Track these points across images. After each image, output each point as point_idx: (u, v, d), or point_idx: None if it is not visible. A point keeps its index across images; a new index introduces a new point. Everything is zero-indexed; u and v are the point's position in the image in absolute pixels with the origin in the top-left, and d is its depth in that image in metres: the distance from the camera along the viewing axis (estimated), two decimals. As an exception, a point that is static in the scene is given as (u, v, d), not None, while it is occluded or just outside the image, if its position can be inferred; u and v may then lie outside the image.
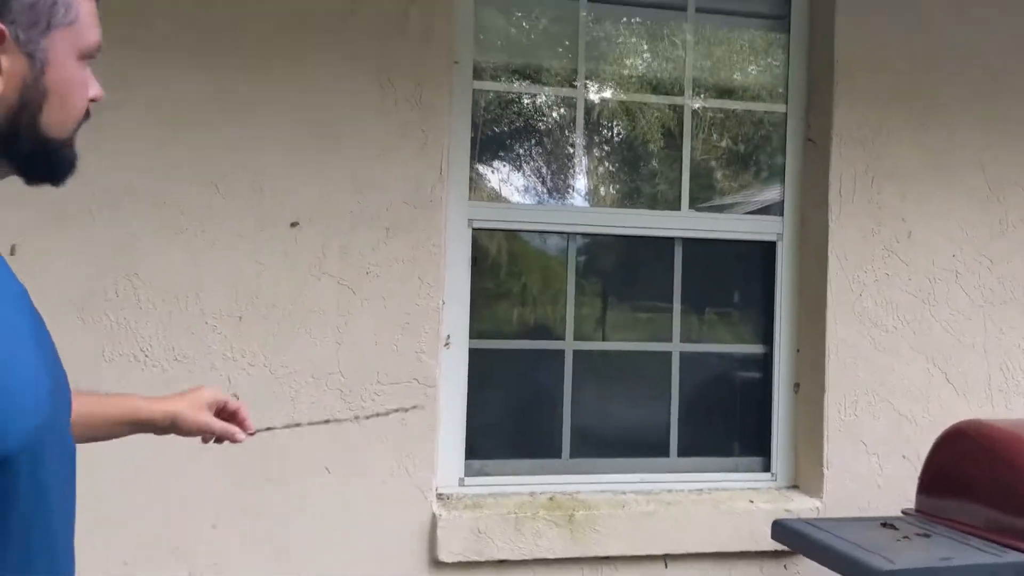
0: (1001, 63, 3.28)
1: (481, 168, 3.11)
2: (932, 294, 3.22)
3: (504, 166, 3.17)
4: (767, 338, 3.32)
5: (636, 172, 3.29)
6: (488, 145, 3.16)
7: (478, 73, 3.06)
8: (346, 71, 2.79)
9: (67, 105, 1.01)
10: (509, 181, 3.17)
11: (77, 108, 1.03)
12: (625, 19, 3.23)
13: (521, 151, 3.19)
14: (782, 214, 3.29)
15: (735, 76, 3.32)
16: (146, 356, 2.68)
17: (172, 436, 1.53)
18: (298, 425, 2.07)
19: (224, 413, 1.59)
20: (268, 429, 1.78)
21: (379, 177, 2.80)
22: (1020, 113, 3.28)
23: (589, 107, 3.19)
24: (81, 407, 1.20)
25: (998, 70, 3.28)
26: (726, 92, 3.32)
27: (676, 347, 3.25)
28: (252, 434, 1.62)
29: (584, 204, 3.15)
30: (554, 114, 3.19)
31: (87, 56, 1.03)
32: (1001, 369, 3.28)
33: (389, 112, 2.82)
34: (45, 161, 1.03)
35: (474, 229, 3.03)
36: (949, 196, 3.24)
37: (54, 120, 0.99)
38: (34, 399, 0.89)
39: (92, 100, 1.07)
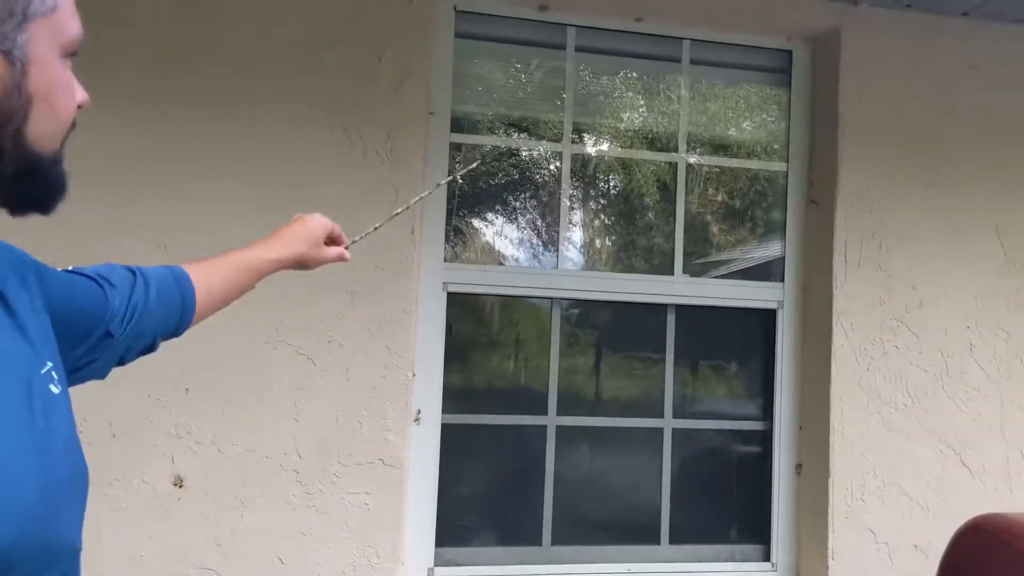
0: (1017, 120, 3.09)
1: (459, 227, 2.89)
2: (945, 369, 3.00)
3: (484, 225, 2.95)
4: (767, 414, 3.09)
5: (627, 233, 3.07)
6: (466, 203, 2.94)
7: (456, 124, 2.85)
8: (311, 120, 2.58)
9: (55, 111, 0.87)
10: (489, 241, 2.94)
11: (65, 115, 0.90)
12: (616, 70, 3.04)
13: (502, 209, 2.98)
14: (783, 280, 3.08)
15: (732, 132, 3.13)
16: (80, 432, 2.41)
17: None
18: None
19: (329, 238, 1.56)
20: None
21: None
22: (1037, 175, 3.09)
23: (576, 162, 2.98)
24: (204, 282, 1.35)
25: (1014, 128, 3.09)
26: (722, 148, 3.13)
27: (668, 423, 3.01)
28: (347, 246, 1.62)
29: (571, 267, 2.92)
30: (539, 169, 2.98)
31: (70, 52, 0.89)
32: (1020, 452, 3.04)
33: (357, 165, 2.60)
34: (35, 182, 0.89)
35: (449, 293, 2.80)
36: (963, 263, 3.03)
37: (43, 130, 0.86)
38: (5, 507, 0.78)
39: (79, 107, 0.93)
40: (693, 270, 3.02)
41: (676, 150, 3.04)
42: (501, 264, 2.94)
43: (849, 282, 2.94)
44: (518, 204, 2.97)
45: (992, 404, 3.03)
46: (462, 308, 2.88)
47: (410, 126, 2.65)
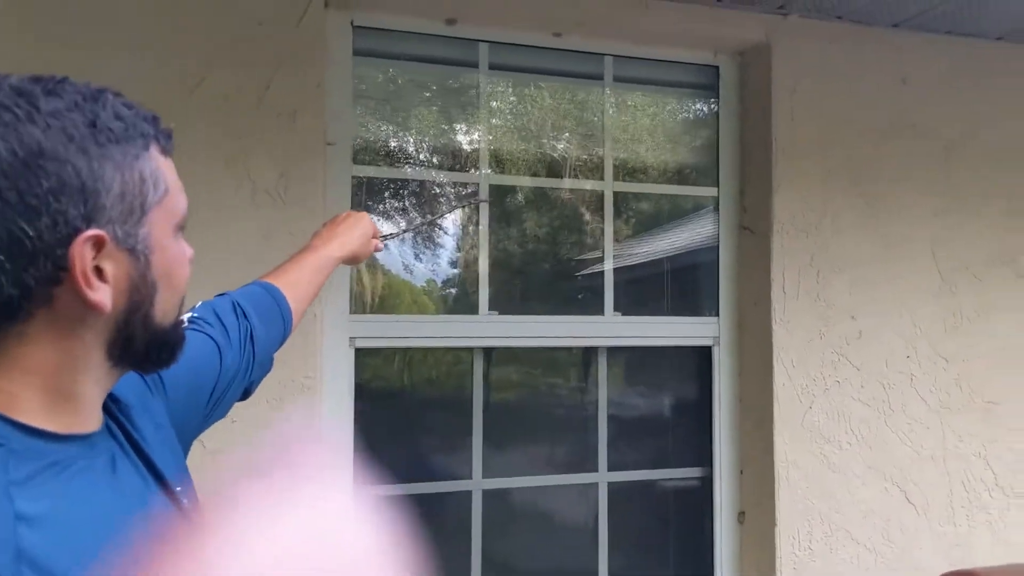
0: (952, 137, 3.00)
1: (366, 275, 2.59)
2: (887, 402, 2.89)
3: (395, 270, 2.65)
4: (706, 459, 2.91)
5: (551, 271, 2.83)
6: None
7: (359, 156, 2.55)
8: (190, 158, 2.22)
9: (175, 287, 0.92)
10: (401, 288, 2.65)
11: (183, 284, 0.94)
12: (533, 90, 2.79)
13: (414, 250, 2.69)
14: (718, 315, 2.90)
15: (659, 154, 2.92)
16: None
17: None
18: None
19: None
20: None
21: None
22: (973, 191, 3.01)
23: (495, 193, 2.72)
24: (291, 290, 1.42)
25: (949, 146, 3.00)
26: (650, 173, 2.92)
27: (603, 477, 2.80)
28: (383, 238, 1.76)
29: (491, 313, 2.66)
30: (454, 203, 2.70)
31: (182, 226, 0.94)
32: (963, 483, 2.97)
33: (245, 209, 2.27)
34: (162, 351, 0.94)
35: (357, 349, 2.50)
36: (901, 289, 2.92)
37: (167, 307, 0.91)
38: None
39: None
40: (625, 308, 2.81)
41: (601, 176, 2.82)
42: (415, 313, 2.65)
43: (788, 314, 2.79)
44: (432, 243, 2.69)
45: (934, 435, 2.94)
46: (373, 364, 2.59)
47: (306, 161, 2.34)
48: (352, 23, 2.53)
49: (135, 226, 0.84)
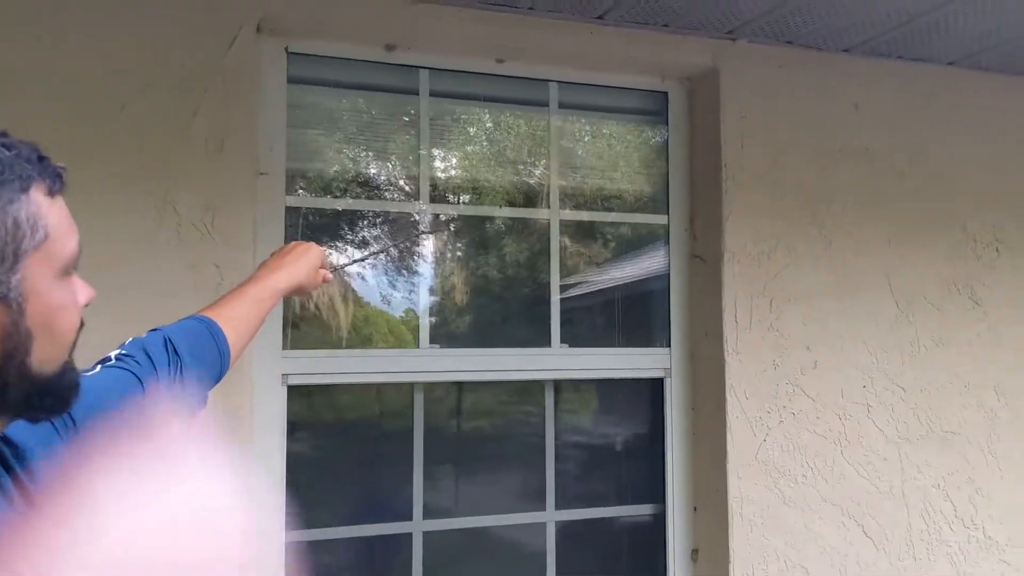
0: (900, 164, 2.97)
1: (299, 309, 2.51)
2: (843, 433, 2.83)
3: (328, 302, 2.56)
4: (658, 495, 2.84)
5: (495, 302, 2.76)
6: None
7: (292, 186, 2.48)
8: (111, 191, 2.15)
9: (56, 335, 0.88)
10: (336, 322, 2.56)
11: (68, 333, 0.91)
12: (474, 116, 2.74)
13: (351, 284, 2.61)
14: (669, 345, 2.84)
15: (607, 182, 2.87)
16: None
17: None
18: None
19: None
20: None
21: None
22: (926, 218, 2.98)
23: (436, 224, 2.65)
24: (231, 324, 1.39)
25: (898, 172, 2.97)
26: (597, 200, 2.86)
27: (551, 516, 2.72)
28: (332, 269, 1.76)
29: (432, 346, 2.59)
30: (391, 234, 2.63)
31: (68, 270, 0.90)
32: (922, 516, 2.91)
33: (169, 244, 2.19)
34: (44, 399, 0.90)
35: (290, 387, 2.41)
36: (856, 318, 2.87)
37: (46, 356, 0.87)
38: None
39: (85, 304, 0.95)
40: (571, 339, 2.74)
41: (547, 204, 2.76)
42: (351, 348, 2.56)
43: (741, 345, 2.73)
44: (370, 274, 2.61)
45: (892, 467, 2.88)
46: (306, 402, 2.50)
47: (235, 192, 2.26)
48: (287, 49, 2.47)
49: (7, 273, 0.82)
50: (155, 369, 1.25)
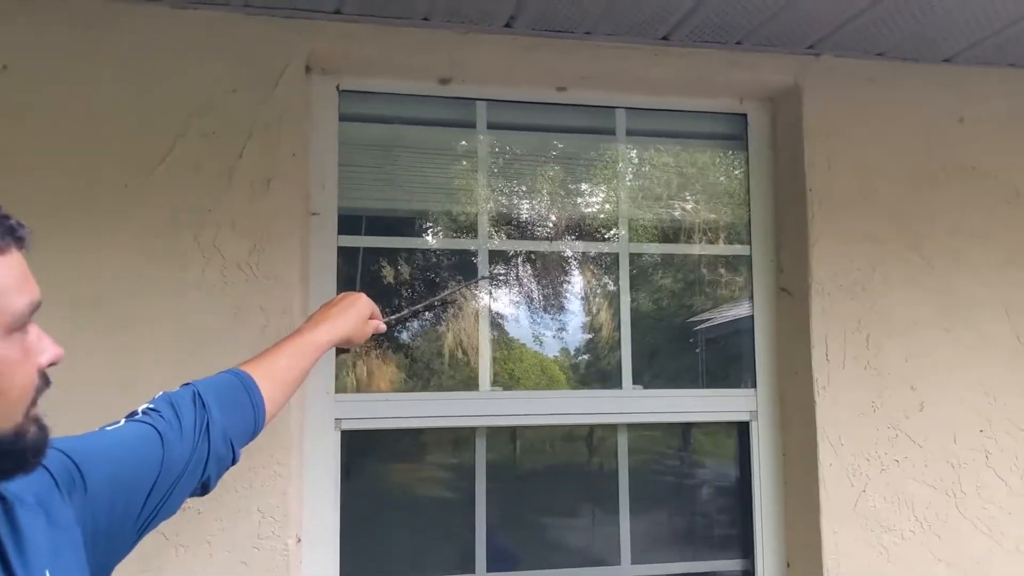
0: (1021, 177, 2.70)
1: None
2: (958, 484, 2.56)
3: (384, 345, 2.51)
4: (747, 550, 2.63)
5: (560, 342, 2.64)
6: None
7: (346, 225, 2.45)
8: (153, 237, 2.16)
9: (6, 393, 0.86)
10: (392, 365, 2.50)
11: (21, 389, 0.89)
12: (538, 146, 2.65)
13: (406, 325, 2.55)
14: (755, 386, 2.65)
15: (681, 212, 2.72)
16: None
17: None
18: None
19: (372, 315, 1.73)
20: None
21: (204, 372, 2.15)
22: (1048, 241, 2.69)
23: (496, 261, 2.57)
24: (268, 377, 1.43)
25: (1018, 189, 2.70)
26: (672, 232, 2.72)
27: (626, 570, 2.55)
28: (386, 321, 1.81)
29: (493, 389, 2.49)
30: (450, 273, 2.56)
31: (20, 326, 0.88)
32: (1056, 578, 2.59)
33: (214, 288, 2.18)
34: (2, 459, 0.89)
35: (343, 432, 2.36)
36: (969, 352, 2.61)
37: None
38: None
39: (50, 364, 0.95)
40: (646, 381, 2.60)
41: (615, 238, 2.64)
42: (409, 390, 2.50)
43: (833, 386, 2.51)
44: (427, 314, 2.54)
45: (1016, 522, 2.58)
46: (361, 448, 2.44)
47: (281, 233, 2.24)
48: (338, 87, 2.45)
49: None
50: (180, 425, 1.27)
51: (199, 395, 1.33)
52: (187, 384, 1.35)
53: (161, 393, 1.32)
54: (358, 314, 1.69)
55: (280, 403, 1.50)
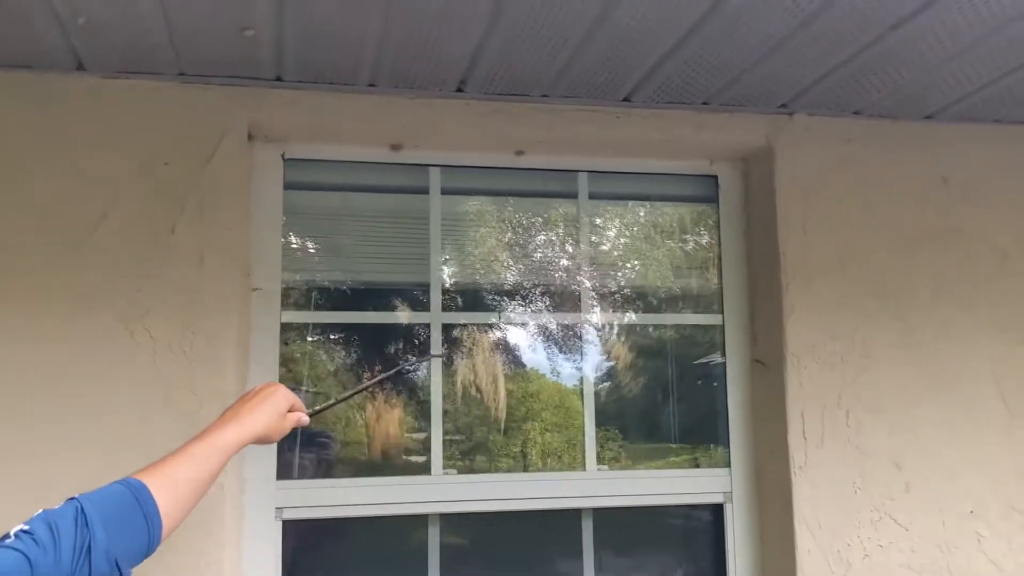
0: (1010, 243, 2.59)
1: (297, 436, 2.35)
2: (947, 569, 2.42)
3: (333, 428, 2.40)
4: (722, 643, 2.50)
5: (518, 418, 2.53)
6: (307, 403, 2.41)
7: (290, 300, 2.35)
8: (78, 316, 2.06)
9: None
10: (338, 449, 2.39)
11: None
12: (491, 212, 2.56)
13: (356, 405, 2.44)
14: (729, 466, 2.53)
15: (649, 280, 2.62)
16: None
17: None
18: None
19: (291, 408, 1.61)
20: None
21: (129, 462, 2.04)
22: (1038, 305, 2.57)
23: (449, 333, 2.46)
24: (166, 486, 1.33)
25: (1006, 252, 2.58)
26: (638, 302, 2.62)
27: (591, 666, 2.42)
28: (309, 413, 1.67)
29: (446, 473, 2.38)
30: (402, 348, 2.46)
31: None
32: (1055, 671, 2.44)
33: (144, 370, 2.08)
34: None
35: (285, 521, 2.25)
36: (957, 427, 2.48)
37: None
38: None
39: None
40: (611, 461, 2.48)
41: (577, 307, 2.53)
42: (355, 477, 2.38)
43: (811, 465, 2.39)
44: (376, 398, 2.44)
45: (1013, 610, 2.44)
46: (305, 540, 2.32)
47: (215, 311, 2.14)
48: (283, 156, 2.37)
49: None
50: (57, 547, 1.18)
51: (82, 511, 1.23)
52: (71, 499, 1.25)
53: (41, 511, 1.22)
54: (273, 409, 1.55)
55: (180, 514, 1.39)
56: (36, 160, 2.11)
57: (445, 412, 2.41)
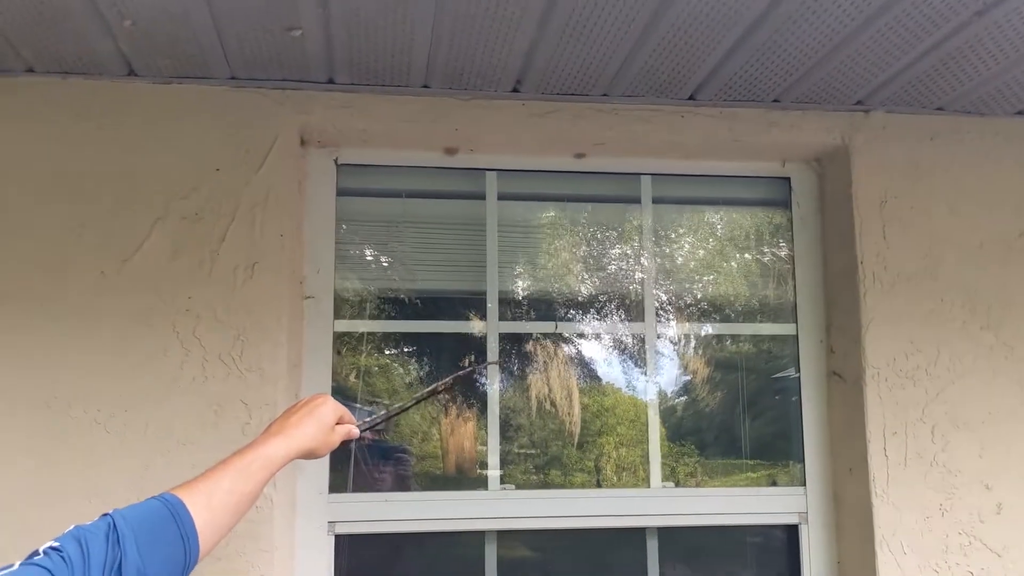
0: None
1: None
2: (1045, 599, 2.32)
3: (384, 439, 2.41)
4: (797, 674, 2.43)
5: (579, 433, 2.50)
6: (360, 416, 2.42)
7: (342, 309, 2.37)
8: (126, 330, 2.11)
9: None
10: (391, 462, 2.40)
11: None
12: (554, 218, 2.54)
13: (409, 417, 2.44)
14: (804, 485, 2.46)
15: (716, 288, 2.58)
16: None
17: None
18: None
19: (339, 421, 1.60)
20: None
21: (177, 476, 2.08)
22: None
23: (507, 343, 2.46)
24: (204, 503, 1.30)
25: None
26: (706, 311, 2.57)
27: None
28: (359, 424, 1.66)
29: (504, 488, 2.37)
30: (459, 354, 2.46)
31: None
32: None
33: (194, 381, 2.11)
34: None
35: (338, 536, 2.26)
36: (1054, 447, 2.38)
37: None
38: None
39: None
40: (686, 477, 2.44)
41: (641, 317, 2.50)
42: (409, 491, 2.39)
43: (894, 486, 2.31)
44: (430, 406, 2.44)
45: (1120, 644, 2.32)
46: (359, 555, 2.33)
47: (266, 321, 2.17)
48: (336, 161, 2.40)
49: None
50: (87, 565, 1.17)
51: (114, 528, 1.23)
52: (105, 515, 1.25)
53: (73, 527, 1.22)
54: (320, 422, 1.53)
55: (220, 532, 1.37)
56: (88, 168, 2.17)
57: (512, 426, 2.39)
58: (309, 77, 2.24)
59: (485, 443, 2.39)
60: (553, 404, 2.48)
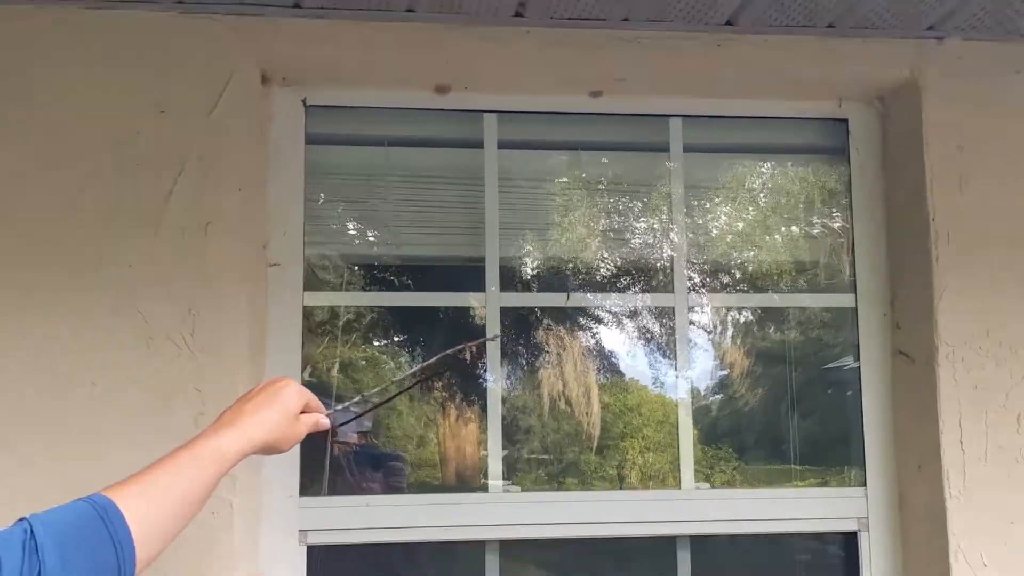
0: None
1: (320, 439, 2.12)
2: None
3: (363, 434, 2.17)
4: None
5: (593, 424, 2.29)
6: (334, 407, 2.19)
7: (313, 279, 2.13)
8: (64, 296, 1.88)
9: None
10: (372, 461, 2.16)
11: None
12: (564, 169, 2.30)
13: (402, 420, 2.22)
14: (864, 485, 2.22)
15: (760, 252, 2.34)
16: None
17: None
18: None
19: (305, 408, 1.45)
20: None
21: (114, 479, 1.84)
22: None
23: (508, 318, 2.22)
24: (141, 503, 1.19)
25: None
26: (745, 279, 2.32)
27: None
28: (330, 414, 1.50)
29: (507, 489, 2.14)
30: (451, 339, 2.20)
31: None
32: None
33: (132, 366, 1.86)
34: None
35: (311, 547, 2.02)
36: None
37: None
38: None
39: None
40: (714, 478, 2.19)
41: (669, 286, 2.23)
42: (392, 495, 2.16)
43: (972, 487, 2.08)
44: (424, 406, 2.19)
45: None
46: (335, 569, 2.09)
47: (223, 292, 1.92)
48: (304, 102, 2.15)
49: None
50: None
51: (32, 535, 1.10)
52: (21, 519, 1.12)
53: None
54: (282, 409, 1.37)
55: (163, 538, 1.23)
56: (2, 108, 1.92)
57: (520, 428, 2.16)
58: (271, 1, 1.98)
59: (486, 436, 2.14)
60: (568, 403, 2.27)
